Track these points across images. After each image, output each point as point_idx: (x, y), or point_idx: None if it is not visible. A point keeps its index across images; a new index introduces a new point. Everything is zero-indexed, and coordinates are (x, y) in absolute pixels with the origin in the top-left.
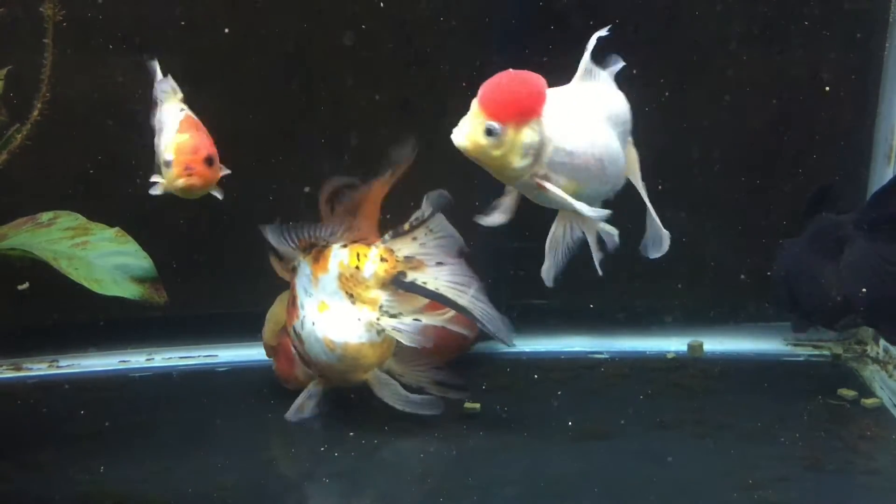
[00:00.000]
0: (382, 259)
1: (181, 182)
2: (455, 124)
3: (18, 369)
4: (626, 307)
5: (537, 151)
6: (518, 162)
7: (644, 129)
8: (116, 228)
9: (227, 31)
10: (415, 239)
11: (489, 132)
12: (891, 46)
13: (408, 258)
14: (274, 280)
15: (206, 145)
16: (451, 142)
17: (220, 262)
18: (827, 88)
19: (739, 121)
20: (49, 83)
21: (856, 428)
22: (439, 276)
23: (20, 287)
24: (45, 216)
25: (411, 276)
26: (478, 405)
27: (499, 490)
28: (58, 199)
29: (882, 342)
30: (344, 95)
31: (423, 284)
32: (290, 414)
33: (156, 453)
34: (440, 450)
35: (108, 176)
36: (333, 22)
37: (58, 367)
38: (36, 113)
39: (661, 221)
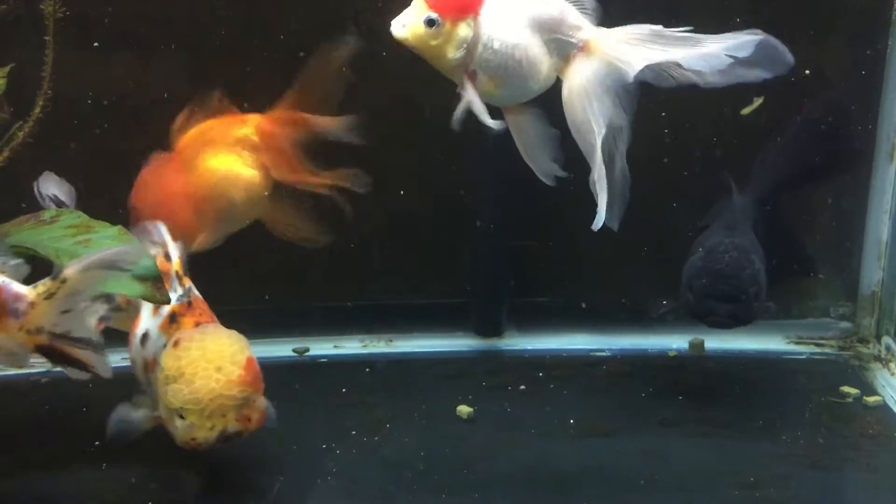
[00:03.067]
0: None
1: None
2: None
3: (20, 367)
4: (628, 305)
5: (470, 46)
6: (452, 53)
7: (645, 128)
8: (119, 227)
9: None
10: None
11: (430, 23)
12: (893, 45)
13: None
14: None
15: None
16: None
17: (222, 261)
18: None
19: (740, 119)
20: (50, 80)
21: (858, 426)
22: None
23: None
24: (47, 214)
25: None
26: (471, 409)
27: (500, 488)
28: None
29: (884, 340)
30: None
31: None
32: None
33: (158, 451)
34: (442, 447)
35: (110, 174)
36: None
37: None
38: (38, 110)
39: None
